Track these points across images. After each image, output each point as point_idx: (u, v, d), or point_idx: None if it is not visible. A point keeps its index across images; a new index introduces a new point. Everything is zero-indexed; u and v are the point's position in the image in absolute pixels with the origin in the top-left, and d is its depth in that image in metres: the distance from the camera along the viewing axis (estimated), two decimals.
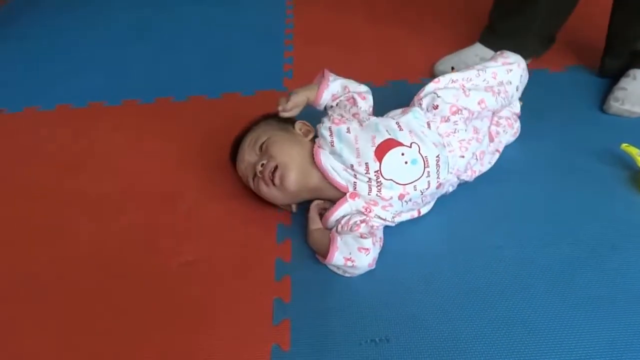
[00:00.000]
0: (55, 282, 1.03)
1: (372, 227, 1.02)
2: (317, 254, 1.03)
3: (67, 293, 1.01)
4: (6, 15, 2.06)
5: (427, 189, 1.02)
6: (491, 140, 1.15)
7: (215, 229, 1.11)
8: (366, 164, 1.00)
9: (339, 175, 1.03)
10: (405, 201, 1.02)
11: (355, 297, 0.96)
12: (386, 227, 1.05)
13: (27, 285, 1.03)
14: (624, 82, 1.32)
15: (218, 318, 0.95)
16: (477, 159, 1.10)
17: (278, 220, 1.11)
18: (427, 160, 1.01)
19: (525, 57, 1.19)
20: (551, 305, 0.92)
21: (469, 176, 1.11)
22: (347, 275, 1.00)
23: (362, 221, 1.01)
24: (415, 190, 1.01)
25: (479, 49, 1.48)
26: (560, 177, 1.16)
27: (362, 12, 1.86)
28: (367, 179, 1.01)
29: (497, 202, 1.12)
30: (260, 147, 1.07)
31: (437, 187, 1.04)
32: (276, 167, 1.04)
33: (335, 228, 1.03)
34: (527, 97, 1.24)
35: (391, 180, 1.00)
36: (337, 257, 0.98)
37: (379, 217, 1.03)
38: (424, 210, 1.08)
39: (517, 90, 1.16)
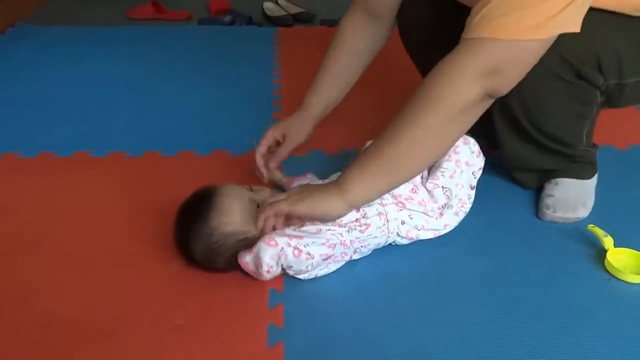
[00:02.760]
0: (35, 347, 0.97)
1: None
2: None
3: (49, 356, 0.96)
4: None
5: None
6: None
7: (206, 290, 1.08)
8: None
9: None
10: None
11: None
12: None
13: (5, 349, 0.97)
14: (550, 189, 1.28)
15: None
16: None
17: (270, 285, 1.09)
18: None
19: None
20: None
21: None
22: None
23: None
24: None
25: None
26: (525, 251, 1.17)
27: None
28: None
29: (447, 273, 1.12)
30: (251, 189, 1.11)
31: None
32: None
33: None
34: None
35: None
36: None
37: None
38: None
39: None
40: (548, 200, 1.27)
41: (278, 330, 1.00)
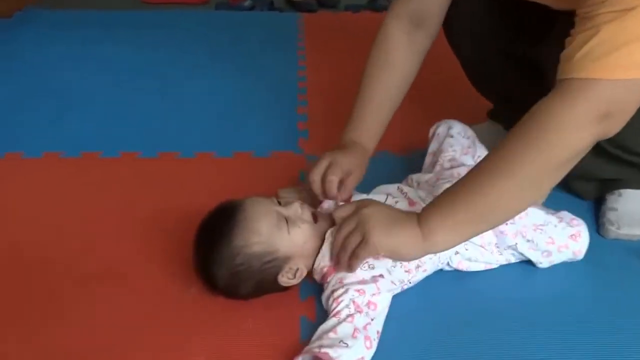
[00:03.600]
0: None
1: (367, 316, 0.88)
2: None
3: None
4: None
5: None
6: None
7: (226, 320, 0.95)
8: None
9: None
10: None
11: None
12: None
13: None
14: (612, 201, 1.14)
15: None
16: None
17: (301, 313, 0.96)
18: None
19: None
20: None
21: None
22: None
23: (356, 308, 0.88)
24: None
25: (491, 125, 1.38)
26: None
27: None
28: None
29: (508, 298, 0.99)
30: (279, 202, 0.99)
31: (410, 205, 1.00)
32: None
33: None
34: None
35: None
36: None
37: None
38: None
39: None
40: (611, 215, 1.12)
41: None
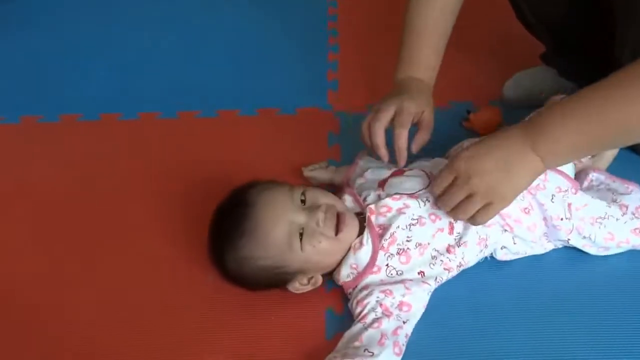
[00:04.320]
0: None
1: (398, 319, 0.80)
2: None
3: None
4: None
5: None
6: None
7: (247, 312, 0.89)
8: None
9: None
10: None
11: None
12: None
13: None
14: None
15: None
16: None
17: (327, 305, 0.89)
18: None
19: None
20: None
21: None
22: None
23: (384, 311, 0.80)
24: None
25: (544, 71, 1.22)
26: None
27: None
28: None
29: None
30: (302, 201, 0.86)
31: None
32: (339, 215, 0.85)
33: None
34: None
35: None
36: None
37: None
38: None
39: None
40: None
41: None
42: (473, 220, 0.81)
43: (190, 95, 1.32)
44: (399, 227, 0.84)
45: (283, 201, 0.84)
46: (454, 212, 0.82)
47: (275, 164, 1.11)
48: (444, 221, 0.85)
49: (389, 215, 0.86)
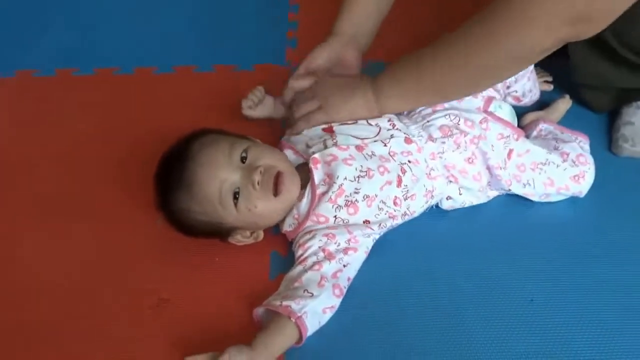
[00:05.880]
0: None
1: (339, 262, 0.82)
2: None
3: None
4: None
5: (391, 138, 0.89)
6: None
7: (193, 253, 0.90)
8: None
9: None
10: (367, 154, 0.87)
11: None
12: None
13: None
14: (628, 115, 1.02)
15: None
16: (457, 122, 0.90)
17: (272, 248, 0.90)
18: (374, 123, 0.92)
19: None
20: None
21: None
22: None
23: (326, 255, 0.82)
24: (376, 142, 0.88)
25: None
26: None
27: None
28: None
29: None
30: (242, 159, 0.84)
31: (407, 143, 0.89)
32: (278, 174, 0.83)
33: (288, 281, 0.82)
34: None
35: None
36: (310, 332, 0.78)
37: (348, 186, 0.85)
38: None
39: None
40: (626, 130, 1.01)
41: None
42: (306, 119, 0.91)
43: (148, 52, 1.31)
44: (345, 178, 0.84)
45: (220, 158, 0.83)
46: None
47: (227, 117, 1.10)
48: (393, 174, 0.86)
49: (334, 164, 0.85)
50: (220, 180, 0.82)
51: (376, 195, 0.85)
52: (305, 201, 0.85)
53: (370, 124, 0.90)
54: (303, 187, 0.87)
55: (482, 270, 0.86)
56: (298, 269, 0.81)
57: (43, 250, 0.94)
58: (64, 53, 1.31)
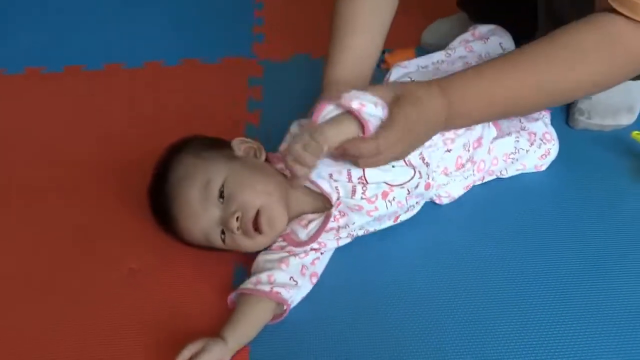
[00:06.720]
0: None
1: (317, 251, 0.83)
2: None
3: None
4: None
5: (415, 188, 0.84)
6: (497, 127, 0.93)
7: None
8: (348, 170, 0.80)
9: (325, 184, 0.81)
10: (389, 201, 0.82)
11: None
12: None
13: None
14: None
15: None
16: (469, 149, 0.89)
17: None
18: (409, 162, 0.82)
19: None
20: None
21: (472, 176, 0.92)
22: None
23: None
24: (403, 189, 0.82)
25: (461, 17, 1.27)
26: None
27: None
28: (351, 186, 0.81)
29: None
30: (220, 194, 0.79)
31: (426, 188, 0.86)
32: (258, 213, 0.79)
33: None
34: None
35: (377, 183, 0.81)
36: None
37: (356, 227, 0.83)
38: (404, 217, 0.87)
39: None
40: (582, 104, 1.04)
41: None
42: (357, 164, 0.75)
43: (116, 47, 1.33)
44: (361, 226, 0.83)
45: (197, 202, 0.79)
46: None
47: (195, 111, 1.14)
48: (397, 214, 0.86)
49: (355, 213, 0.81)
50: (202, 228, 0.80)
51: (375, 229, 0.86)
52: (306, 232, 0.82)
53: (406, 164, 0.82)
54: (310, 211, 0.84)
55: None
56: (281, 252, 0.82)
57: (14, 226, 0.95)
58: (33, 52, 1.33)
